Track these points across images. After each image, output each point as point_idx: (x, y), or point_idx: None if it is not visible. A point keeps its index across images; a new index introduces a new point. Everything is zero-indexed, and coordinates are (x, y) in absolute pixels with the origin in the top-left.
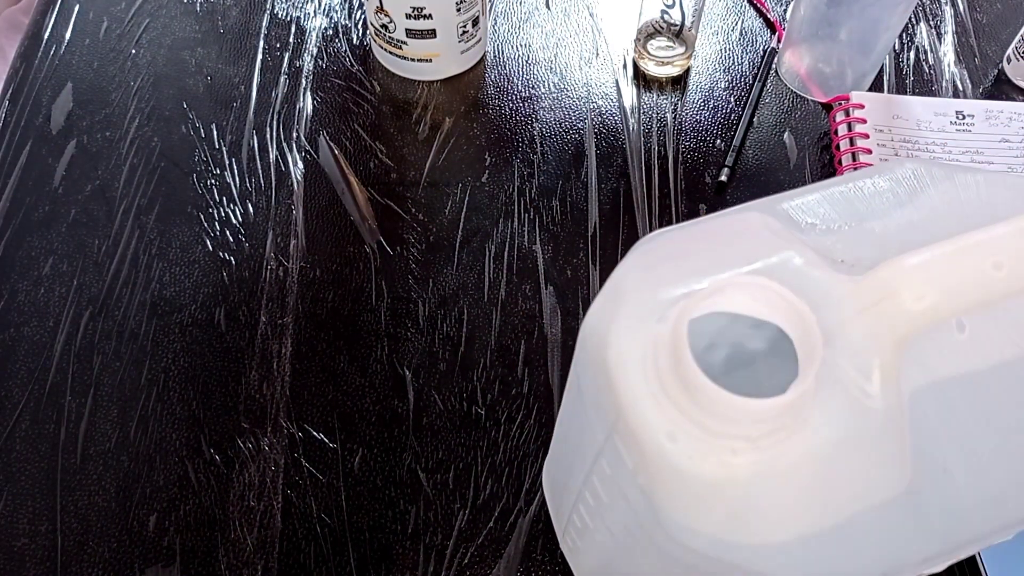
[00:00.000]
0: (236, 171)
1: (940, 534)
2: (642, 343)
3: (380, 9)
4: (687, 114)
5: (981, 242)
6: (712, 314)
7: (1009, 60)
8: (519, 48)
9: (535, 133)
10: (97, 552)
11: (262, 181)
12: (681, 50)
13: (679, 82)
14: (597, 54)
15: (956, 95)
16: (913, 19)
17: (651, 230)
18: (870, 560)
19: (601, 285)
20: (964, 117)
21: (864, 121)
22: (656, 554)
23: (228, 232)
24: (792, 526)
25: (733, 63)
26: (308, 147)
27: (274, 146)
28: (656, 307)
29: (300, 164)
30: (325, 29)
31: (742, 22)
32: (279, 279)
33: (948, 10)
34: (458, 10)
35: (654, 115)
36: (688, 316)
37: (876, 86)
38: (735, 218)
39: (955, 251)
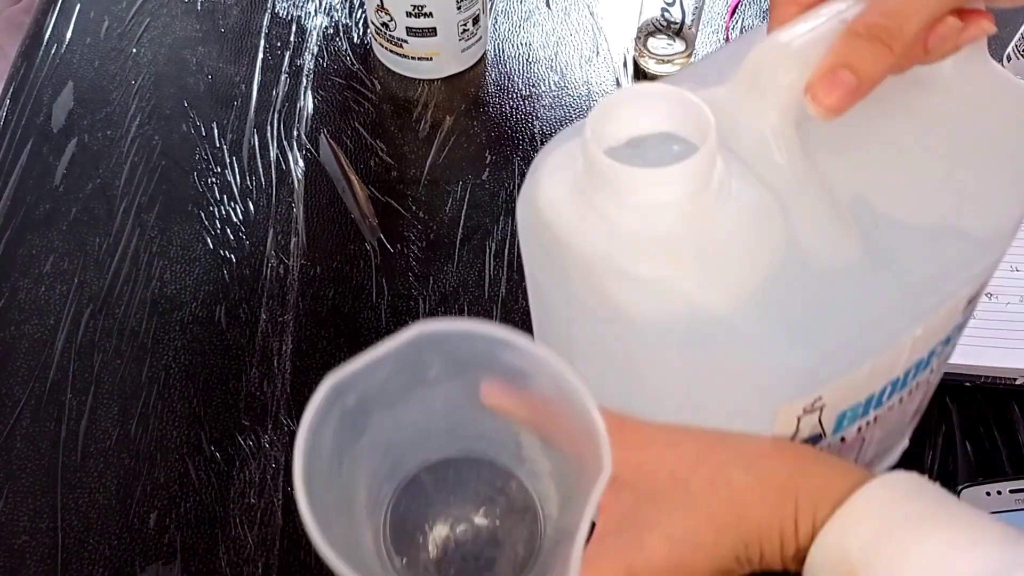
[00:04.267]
0: (237, 169)
1: (896, 278)
2: (562, 181)
3: (381, 7)
4: None
5: (831, 11)
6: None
7: (1009, 58)
8: (520, 46)
9: (536, 131)
10: (98, 549)
11: (263, 179)
12: (681, 48)
13: None
14: (597, 52)
15: None
16: None
17: None
18: (837, 317)
19: None
20: None
21: None
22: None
23: (229, 230)
24: (747, 275)
25: None
26: (309, 145)
27: (275, 144)
28: (570, 156)
29: (301, 162)
30: (326, 28)
31: (742, 20)
32: (280, 277)
33: None
34: (459, 8)
35: None
36: (593, 125)
37: None
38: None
39: (814, 24)
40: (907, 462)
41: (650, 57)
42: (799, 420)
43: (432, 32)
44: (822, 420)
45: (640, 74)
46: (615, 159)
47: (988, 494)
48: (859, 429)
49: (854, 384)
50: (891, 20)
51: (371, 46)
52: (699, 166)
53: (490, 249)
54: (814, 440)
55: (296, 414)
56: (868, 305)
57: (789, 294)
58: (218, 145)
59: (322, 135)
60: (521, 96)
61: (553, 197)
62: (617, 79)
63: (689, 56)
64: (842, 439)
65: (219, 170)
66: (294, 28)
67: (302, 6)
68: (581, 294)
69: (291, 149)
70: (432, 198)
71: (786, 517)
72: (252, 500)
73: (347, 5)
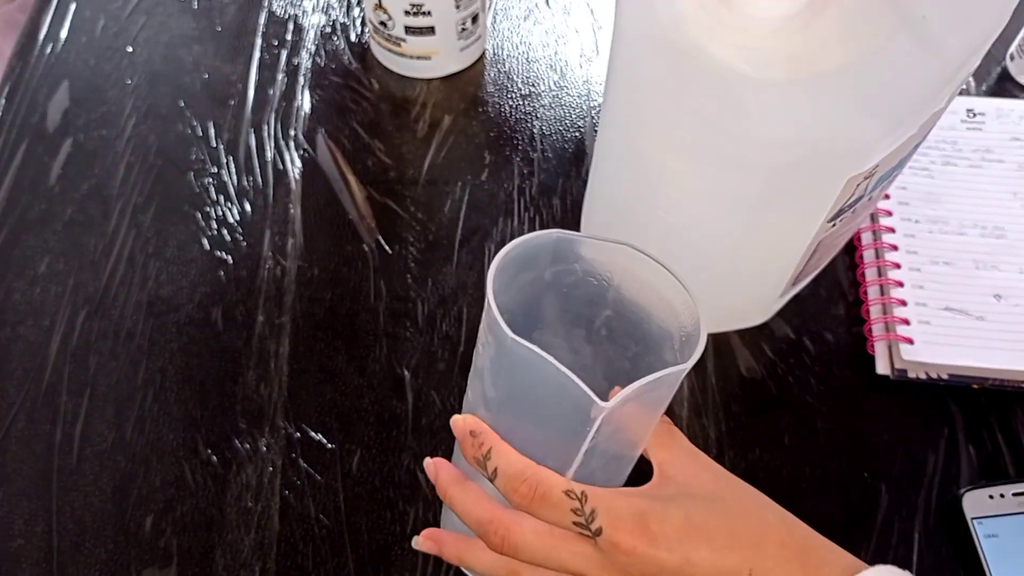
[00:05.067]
0: (233, 169)
1: (937, 59)
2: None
3: (379, 6)
4: None
5: None
6: None
7: (1012, 57)
8: (519, 45)
9: (535, 131)
10: (93, 553)
11: (259, 179)
12: None
13: None
14: (597, 51)
15: (959, 93)
16: None
17: None
18: (895, 96)
19: None
20: (975, 115)
21: None
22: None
23: (225, 231)
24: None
25: None
26: (306, 145)
27: (272, 144)
28: None
29: (298, 162)
30: (323, 26)
31: None
32: (276, 278)
33: None
34: (457, 7)
35: None
36: None
37: None
38: None
39: None
40: (910, 464)
41: None
42: (857, 186)
43: (430, 31)
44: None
45: None
46: None
47: (991, 497)
48: (870, 199)
49: (896, 153)
50: None
51: (369, 45)
52: None
53: (489, 250)
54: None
55: (293, 417)
56: (916, 85)
57: (869, 76)
58: (214, 145)
59: (319, 135)
60: (520, 95)
61: (674, 12)
62: None
63: None
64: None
65: (215, 170)
66: (291, 27)
67: (299, 4)
68: (708, 101)
69: (288, 149)
70: (431, 198)
71: (795, 571)
72: (249, 504)
73: (344, 3)
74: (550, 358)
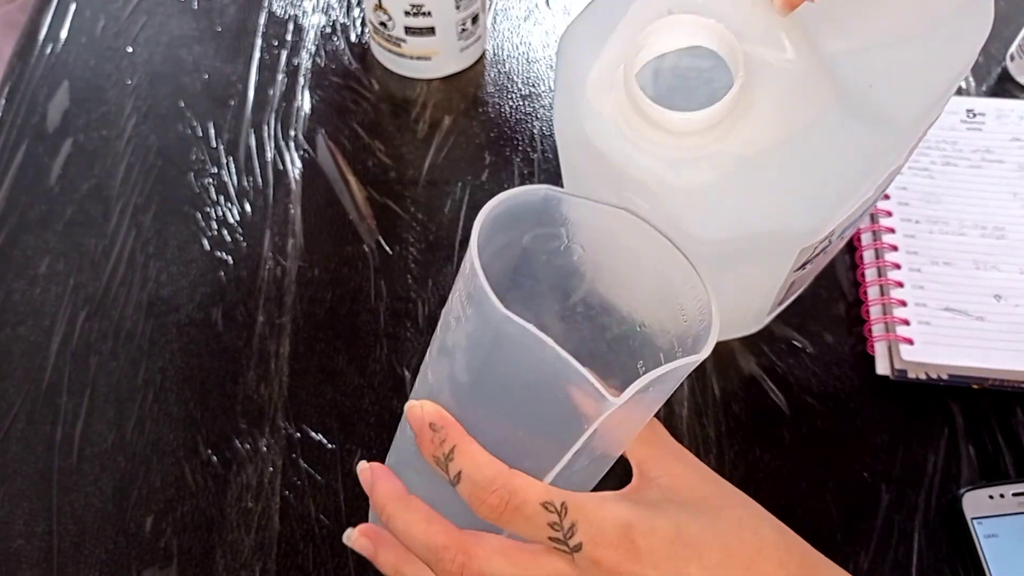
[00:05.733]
0: (233, 170)
1: (884, 133)
2: (606, 111)
3: (379, 6)
4: None
5: None
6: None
7: (1012, 57)
8: (519, 46)
9: (535, 131)
10: (93, 554)
11: (260, 180)
12: None
13: None
14: None
15: (959, 93)
16: None
17: None
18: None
19: None
20: (975, 115)
21: None
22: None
23: (225, 231)
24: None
25: None
26: (306, 145)
27: (272, 144)
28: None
29: (298, 163)
30: (323, 27)
31: None
32: (277, 278)
33: None
34: (457, 7)
35: None
36: (634, 56)
37: None
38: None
39: None
40: (910, 464)
41: None
42: (815, 248)
43: (431, 31)
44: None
45: None
46: (648, 79)
47: (991, 497)
48: (842, 238)
49: (853, 214)
50: None
51: (369, 45)
52: (735, 99)
53: None
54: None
55: (294, 417)
56: (860, 158)
57: (807, 164)
58: (214, 145)
59: (319, 135)
60: (520, 96)
61: (600, 128)
62: None
63: None
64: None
65: (215, 170)
66: (291, 27)
67: (299, 5)
68: (634, 198)
69: (288, 149)
70: (431, 199)
71: None
72: (249, 504)
73: (344, 4)
74: (550, 341)
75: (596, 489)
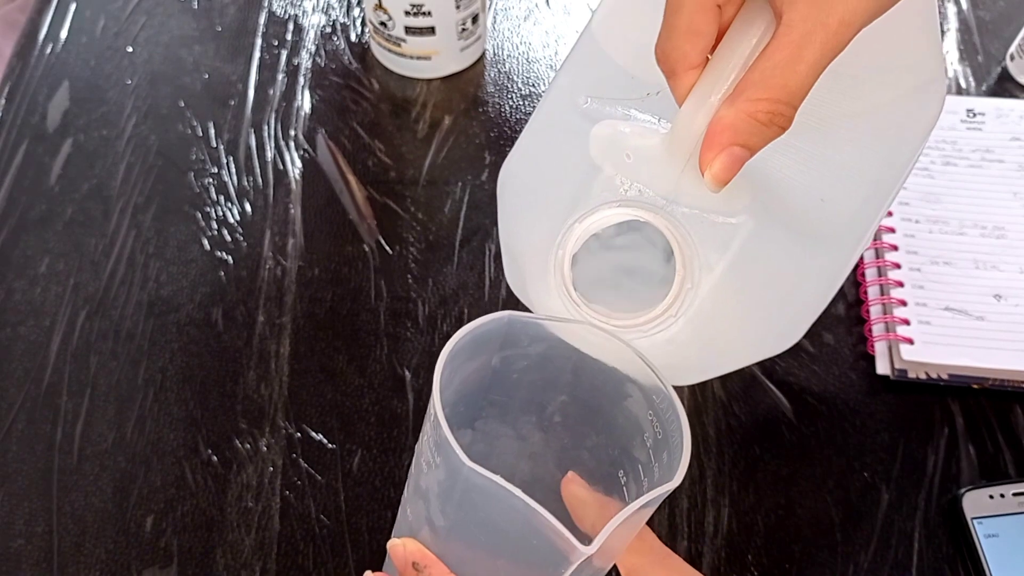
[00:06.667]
0: (233, 170)
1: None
2: (544, 288)
3: (379, 6)
4: None
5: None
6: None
7: (1012, 57)
8: (519, 46)
9: None
10: (94, 553)
11: (260, 180)
12: None
13: None
14: None
15: (959, 93)
16: None
17: None
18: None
19: None
20: (975, 115)
21: None
22: None
23: (225, 231)
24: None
25: None
26: (306, 145)
27: (272, 144)
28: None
29: (298, 162)
30: (323, 27)
31: None
32: (277, 278)
33: (951, 7)
34: (457, 7)
35: None
36: (568, 256)
37: None
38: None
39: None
40: (910, 464)
41: None
42: None
43: (431, 31)
44: None
45: None
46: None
47: (991, 497)
48: None
49: None
50: (789, 102)
51: (369, 45)
52: (677, 293)
53: (490, 251)
54: None
55: (294, 417)
56: (806, 280)
57: (762, 296)
58: (215, 145)
59: (319, 135)
60: (521, 96)
61: (545, 299)
62: None
63: None
64: None
65: (215, 170)
66: (291, 27)
67: (299, 4)
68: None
69: (288, 149)
70: (431, 199)
71: None
72: (249, 504)
73: (344, 3)
74: (518, 492)
75: None
